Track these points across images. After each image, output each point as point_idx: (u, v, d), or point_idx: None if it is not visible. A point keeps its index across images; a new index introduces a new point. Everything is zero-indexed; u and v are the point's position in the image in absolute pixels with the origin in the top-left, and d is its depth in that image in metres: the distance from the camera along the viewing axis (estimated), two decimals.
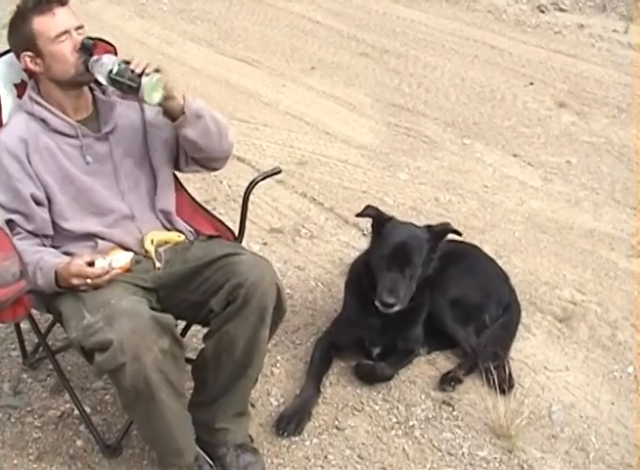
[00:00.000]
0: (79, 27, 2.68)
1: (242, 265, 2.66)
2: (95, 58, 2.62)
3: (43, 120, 2.71)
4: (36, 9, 2.62)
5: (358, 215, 3.48)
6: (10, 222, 2.63)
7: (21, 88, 2.89)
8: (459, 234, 3.35)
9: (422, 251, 3.24)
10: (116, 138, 2.81)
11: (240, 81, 6.81)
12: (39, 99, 2.73)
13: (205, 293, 2.69)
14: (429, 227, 3.32)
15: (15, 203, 2.64)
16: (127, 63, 2.58)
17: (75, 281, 2.52)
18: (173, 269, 2.77)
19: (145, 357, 2.38)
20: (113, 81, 2.59)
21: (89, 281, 2.53)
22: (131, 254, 2.70)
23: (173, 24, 8.24)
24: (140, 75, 2.57)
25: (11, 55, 2.89)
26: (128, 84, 2.58)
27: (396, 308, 3.21)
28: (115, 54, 2.94)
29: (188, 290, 2.74)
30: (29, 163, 2.66)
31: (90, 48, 2.64)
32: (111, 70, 2.57)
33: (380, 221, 3.37)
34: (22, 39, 2.65)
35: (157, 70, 2.61)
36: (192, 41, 7.81)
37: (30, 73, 2.83)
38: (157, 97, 2.61)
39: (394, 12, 8.91)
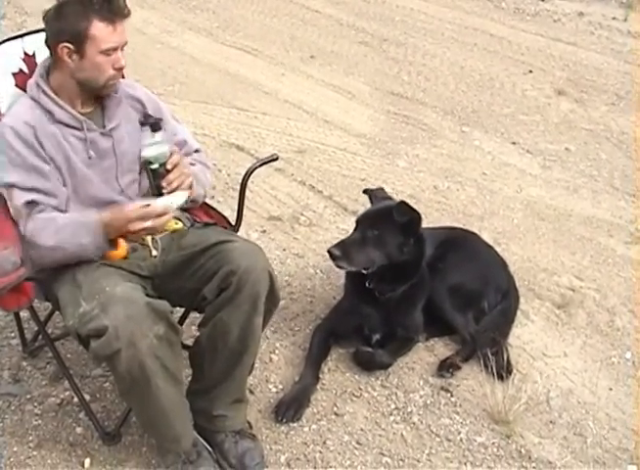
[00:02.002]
0: (124, 44, 2.65)
1: (234, 253, 2.67)
2: (153, 133, 2.64)
3: (48, 111, 2.68)
4: (100, 13, 2.53)
5: (365, 192, 3.58)
6: (30, 203, 2.59)
7: (19, 77, 2.87)
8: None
9: (387, 222, 3.21)
10: (119, 135, 2.78)
11: (239, 70, 6.81)
12: (47, 89, 2.68)
13: (200, 280, 2.70)
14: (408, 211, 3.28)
15: (32, 180, 2.59)
16: (167, 171, 2.61)
17: (136, 226, 2.52)
18: (169, 257, 2.78)
19: (140, 343, 2.38)
20: (144, 162, 2.64)
21: (150, 223, 2.53)
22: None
23: (173, 14, 8.23)
24: (162, 194, 2.62)
25: (7, 45, 2.88)
26: (151, 185, 2.65)
27: (343, 265, 3.24)
28: None
29: (183, 277, 2.74)
30: (41, 145, 2.62)
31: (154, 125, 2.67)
32: (149, 161, 2.61)
33: (370, 197, 3.49)
34: (71, 32, 2.55)
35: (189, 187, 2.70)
36: (191, 30, 7.80)
37: (30, 64, 2.83)
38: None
39: (394, 0, 8.90)
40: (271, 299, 2.72)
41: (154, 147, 2.62)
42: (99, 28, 2.54)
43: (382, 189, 3.59)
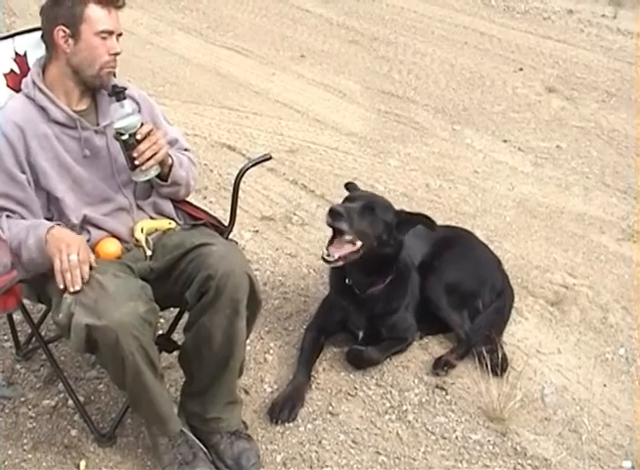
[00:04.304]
0: (120, 35, 2.70)
1: (211, 257, 2.65)
2: (122, 102, 2.63)
3: (43, 109, 2.67)
4: None
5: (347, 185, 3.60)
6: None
7: (10, 77, 2.86)
8: (432, 228, 3.27)
9: (386, 211, 3.21)
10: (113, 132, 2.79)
11: (229, 70, 6.81)
12: (42, 86, 2.68)
13: (184, 284, 2.69)
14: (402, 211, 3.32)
15: (7, 186, 2.60)
16: (138, 141, 2.61)
17: (60, 258, 2.45)
18: (156, 263, 2.76)
19: (116, 314, 2.37)
20: (116, 134, 2.65)
21: (66, 265, 2.45)
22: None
23: (162, 14, 8.23)
24: (136, 166, 2.65)
25: None
26: (125, 158, 2.67)
27: (342, 227, 3.05)
28: None
29: (170, 282, 2.73)
30: (27, 149, 2.63)
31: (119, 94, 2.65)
32: (119, 132, 2.62)
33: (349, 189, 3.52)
34: (68, 14, 2.60)
35: (162, 163, 2.73)
36: (181, 31, 7.81)
37: (21, 64, 2.83)
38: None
39: None
40: (253, 302, 2.70)
41: (123, 119, 2.62)
42: (94, 10, 2.61)
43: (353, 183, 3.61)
